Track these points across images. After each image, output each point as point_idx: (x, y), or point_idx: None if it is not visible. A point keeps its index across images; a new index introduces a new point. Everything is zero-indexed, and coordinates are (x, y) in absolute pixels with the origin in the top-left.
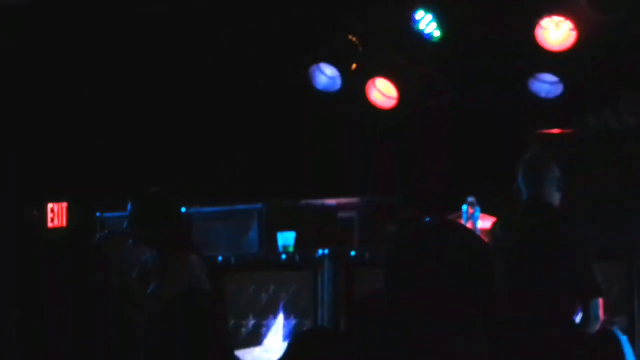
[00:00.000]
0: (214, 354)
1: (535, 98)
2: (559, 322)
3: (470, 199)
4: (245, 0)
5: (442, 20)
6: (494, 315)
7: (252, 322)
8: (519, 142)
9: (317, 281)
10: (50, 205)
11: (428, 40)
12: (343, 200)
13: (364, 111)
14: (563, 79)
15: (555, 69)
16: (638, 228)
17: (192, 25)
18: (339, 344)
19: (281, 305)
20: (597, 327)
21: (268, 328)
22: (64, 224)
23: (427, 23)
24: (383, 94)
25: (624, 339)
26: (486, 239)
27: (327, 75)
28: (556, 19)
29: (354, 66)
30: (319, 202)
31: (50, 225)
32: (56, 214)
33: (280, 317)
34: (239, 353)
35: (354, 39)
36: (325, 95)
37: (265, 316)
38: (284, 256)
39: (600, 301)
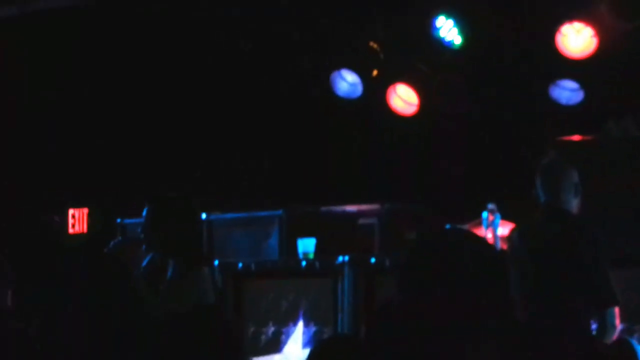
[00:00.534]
0: None
1: (555, 104)
2: (574, 330)
3: (491, 206)
4: (268, 6)
5: (463, 27)
6: (508, 323)
7: (271, 329)
8: (539, 148)
9: (337, 288)
10: (71, 211)
11: (449, 47)
12: (363, 207)
13: (385, 117)
14: (584, 85)
15: (576, 75)
16: None
17: (215, 30)
18: (360, 351)
19: (301, 312)
20: (614, 335)
21: (288, 335)
22: (85, 229)
23: (448, 29)
24: (404, 101)
25: (639, 348)
26: (505, 246)
27: (348, 82)
28: (577, 25)
29: (375, 72)
30: (339, 208)
31: (71, 230)
32: (77, 220)
33: (300, 324)
34: None
35: (375, 45)
36: (346, 102)
37: (285, 323)
38: (304, 263)
39: (617, 310)
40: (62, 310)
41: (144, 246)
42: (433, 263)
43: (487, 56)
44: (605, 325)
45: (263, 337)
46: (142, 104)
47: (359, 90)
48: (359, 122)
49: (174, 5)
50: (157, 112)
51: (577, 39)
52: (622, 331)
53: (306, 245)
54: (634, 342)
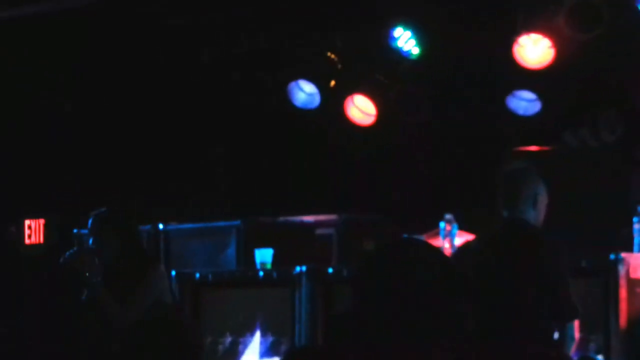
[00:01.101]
0: None
1: (513, 115)
2: (538, 341)
3: (448, 216)
4: (225, 17)
5: (421, 37)
6: (462, 333)
7: (229, 339)
8: (496, 159)
9: (294, 298)
10: (27, 222)
11: (406, 58)
12: (321, 217)
13: (342, 128)
14: (541, 96)
15: (533, 86)
16: (614, 245)
17: (172, 42)
18: None
19: (258, 323)
20: (573, 347)
21: (245, 345)
22: (41, 240)
23: (405, 40)
24: (361, 111)
25: None
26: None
27: (305, 92)
28: (534, 36)
29: (333, 83)
30: (297, 219)
31: (27, 241)
32: (33, 231)
33: (257, 335)
34: None
35: (333, 56)
36: (303, 112)
37: (242, 333)
38: (261, 273)
39: (577, 322)
40: (20, 319)
41: (96, 258)
42: (388, 273)
43: (445, 67)
44: (565, 338)
45: (220, 347)
46: (99, 115)
47: (316, 100)
48: (317, 133)
49: (130, 12)
50: (114, 122)
51: (534, 49)
52: (580, 340)
53: (264, 255)
54: (597, 357)
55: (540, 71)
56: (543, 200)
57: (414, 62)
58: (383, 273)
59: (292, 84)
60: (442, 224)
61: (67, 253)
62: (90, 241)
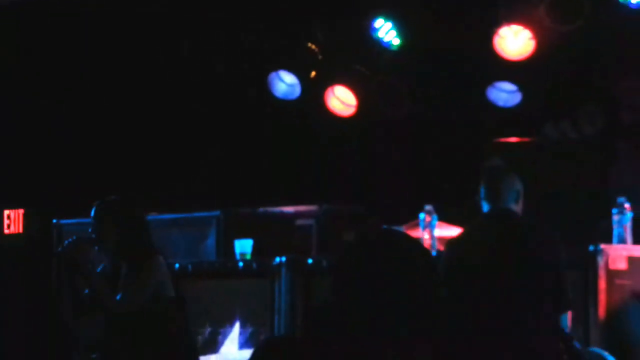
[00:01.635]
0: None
1: (493, 106)
2: (548, 331)
3: (428, 207)
4: (205, 7)
5: (401, 29)
6: (441, 324)
7: (208, 330)
8: (477, 150)
9: (274, 289)
10: (6, 212)
11: (387, 49)
12: (301, 208)
13: (323, 119)
14: (521, 87)
15: (514, 77)
16: (593, 237)
17: (152, 34)
18: (298, 353)
19: (237, 313)
20: None
21: (225, 336)
22: (21, 230)
23: (386, 31)
24: (342, 102)
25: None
26: (442, 247)
27: (286, 83)
28: (515, 27)
29: (313, 74)
30: (277, 209)
31: (6, 231)
32: (12, 220)
33: (237, 325)
34: None
35: (313, 47)
36: (284, 103)
37: (221, 324)
38: (241, 263)
39: (569, 313)
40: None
41: (96, 247)
42: (368, 265)
43: (425, 58)
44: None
45: (200, 337)
46: (78, 105)
47: (297, 91)
48: (297, 124)
49: (111, 3)
50: (93, 112)
51: (514, 41)
52: None
53: (243, 246)
54: (607, 355)
55: (520, 63)
56: (522, 197)
57: (394, 54)
58: (363, 265)
59: (273, 75)
60: (421, 215)
61: (66, 242)
62: (90, 230)
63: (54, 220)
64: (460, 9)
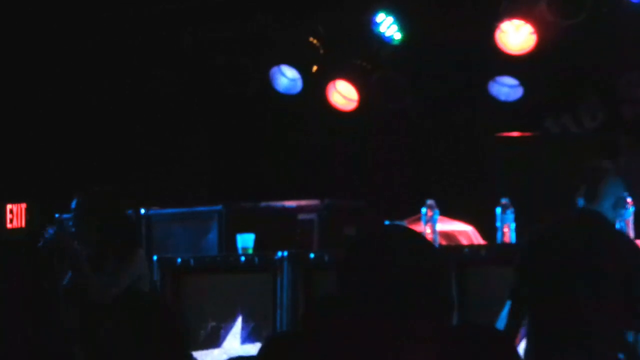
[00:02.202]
0: (163, 354)
1: (494, 101)
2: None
3: (429, 202)
4: (207, 2)
5: (403, 23)
6: (446, 321)
7: (210, 324)
8: (478, 144)
9: (276, 283)
10: (9, 206)
11: (388, 43)
12: (303, 203)
13: (324, 113)
14: (523, 82)
15: (515, 72)
16: None
17: (154, 27)
18: (303, 350)
19: (239, 308)
20: None
21: (227, 330)
22: (23, 224)
23: (387, 26)
24: (344, 97)
25: None
26: (444, 242)
27: (287, 77)
28: (516, 22)
29: (315, 68)
30: (279, 204)
31: (9, 226)
32: (15, 215)
33: (239, 320)
34: (197, 355)
35: (315, 41)
36: (285, 97)
37: (224, 318)
38: (243, 258)
39: None
40: (3, 303)
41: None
42: (371, 260)
43: (427, 52)
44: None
45: (202, 332)
46: (81, 98)
47: (298, 86)
48: (299, 118)
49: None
50: (97, 106)
51: (516, 35)
52: None
53: (245, 240)
54: None
55: (522, 57)
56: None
57: (396, 48)
58: (366, 260)
59: (275, 69)
60: (423, 210)
61: (46, 235)
62: (71, 223)
63: (57, 215)
64: (461, 3)
